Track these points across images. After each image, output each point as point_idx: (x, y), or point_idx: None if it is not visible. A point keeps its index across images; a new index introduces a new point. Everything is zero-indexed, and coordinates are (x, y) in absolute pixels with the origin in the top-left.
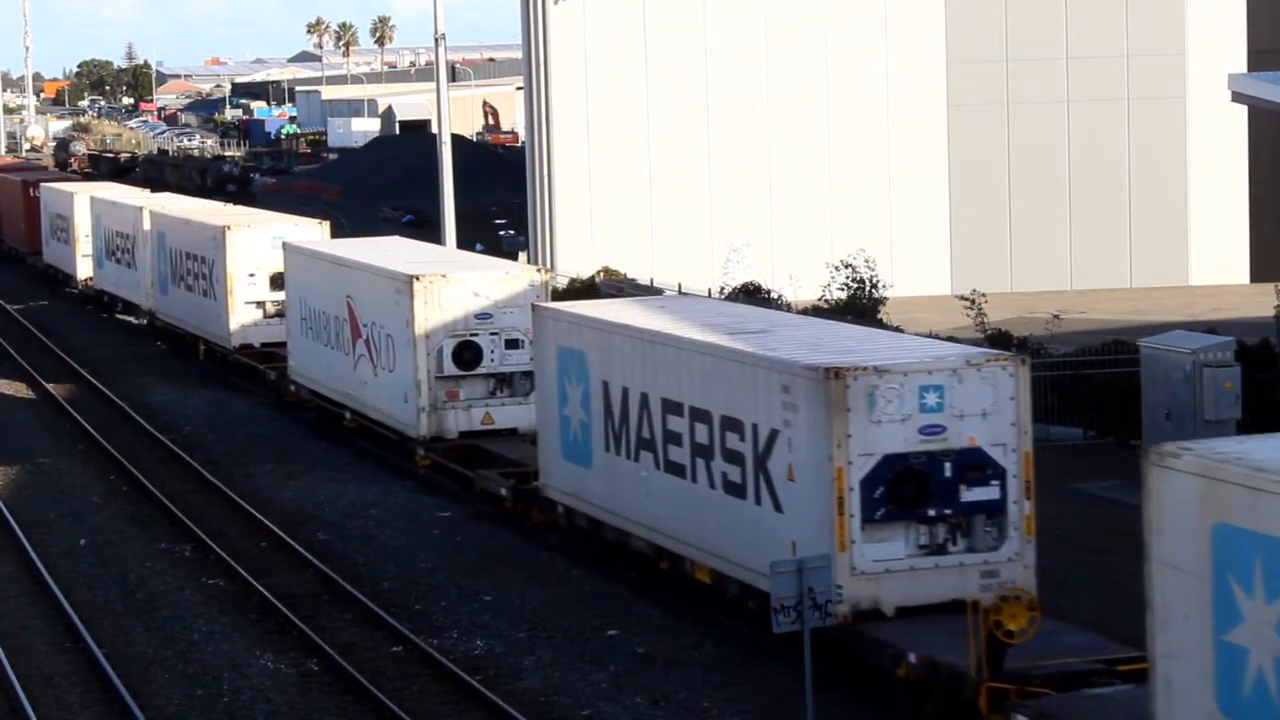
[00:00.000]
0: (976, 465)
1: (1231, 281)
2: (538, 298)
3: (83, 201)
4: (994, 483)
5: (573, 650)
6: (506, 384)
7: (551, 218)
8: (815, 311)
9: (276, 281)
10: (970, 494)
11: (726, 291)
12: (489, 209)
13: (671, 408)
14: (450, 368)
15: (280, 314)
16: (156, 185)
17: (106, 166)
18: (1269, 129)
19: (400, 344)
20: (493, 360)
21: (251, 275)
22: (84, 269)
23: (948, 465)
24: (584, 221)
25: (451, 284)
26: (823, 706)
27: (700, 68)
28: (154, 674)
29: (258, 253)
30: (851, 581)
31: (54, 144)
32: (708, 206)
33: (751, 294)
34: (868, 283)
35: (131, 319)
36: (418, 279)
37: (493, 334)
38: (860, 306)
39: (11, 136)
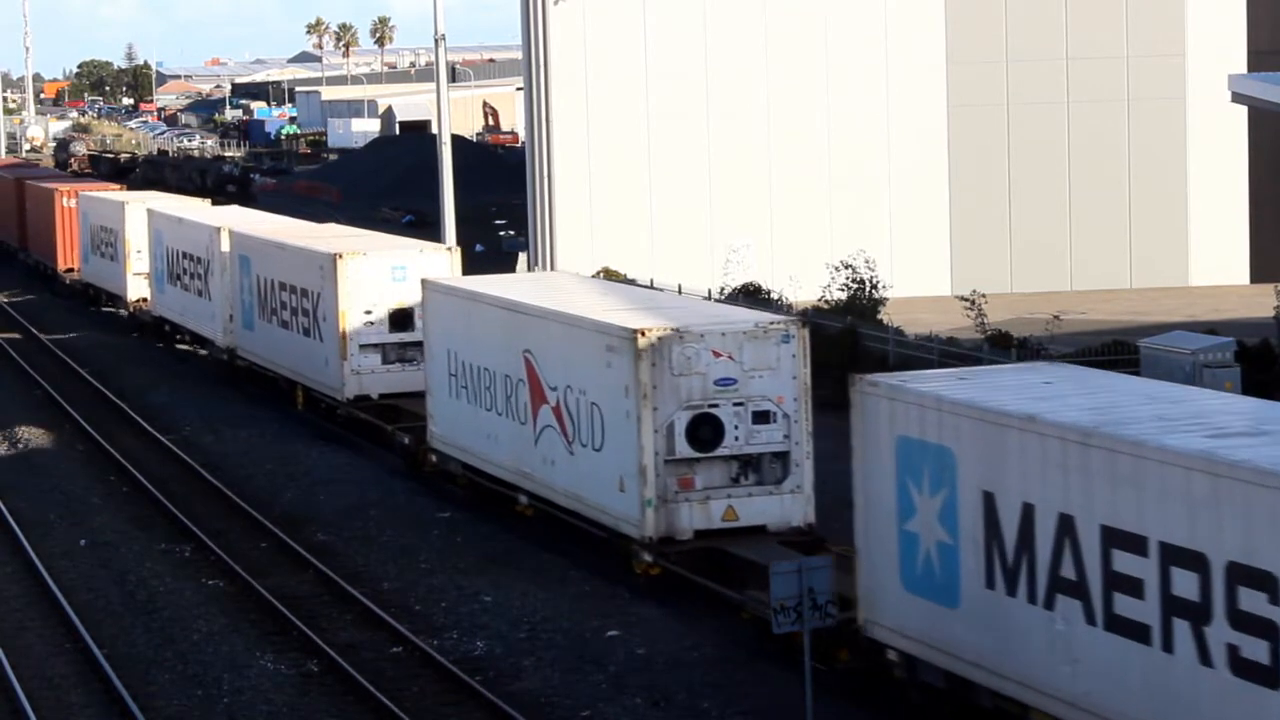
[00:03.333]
0: None
1: (1231, 282)
2: (793, 357)
3: (136, 213)
4: None
5: (573, 651)
6: (753, 469)
7: (551, 218)
8: (815, 312)
9: (398, 320)
10: None
11: (726, 292)
12: (489, 209)
13: (1120, 540)
14: (684, 448)
15: (403, 359)
16: (156, 186)
17: (106, 167)
18: (1269, 129)
19: (613, 416)
20: (737, 439)
21: (368, 313)
22: (135, 290)
23: None
24: (584, 221)
25: (687, 341)
26: (823, 706)
27: (700, 68)
28: (154, 675)
29: (375, 286)
30: None
31: (54, 144)
32: (708, 206)
33: (752, 295)
34: (868, 283)
35: (197, 348)
36: (643, 334)
37: (737, 405)
38: (860, 307)
39: (11, 137)
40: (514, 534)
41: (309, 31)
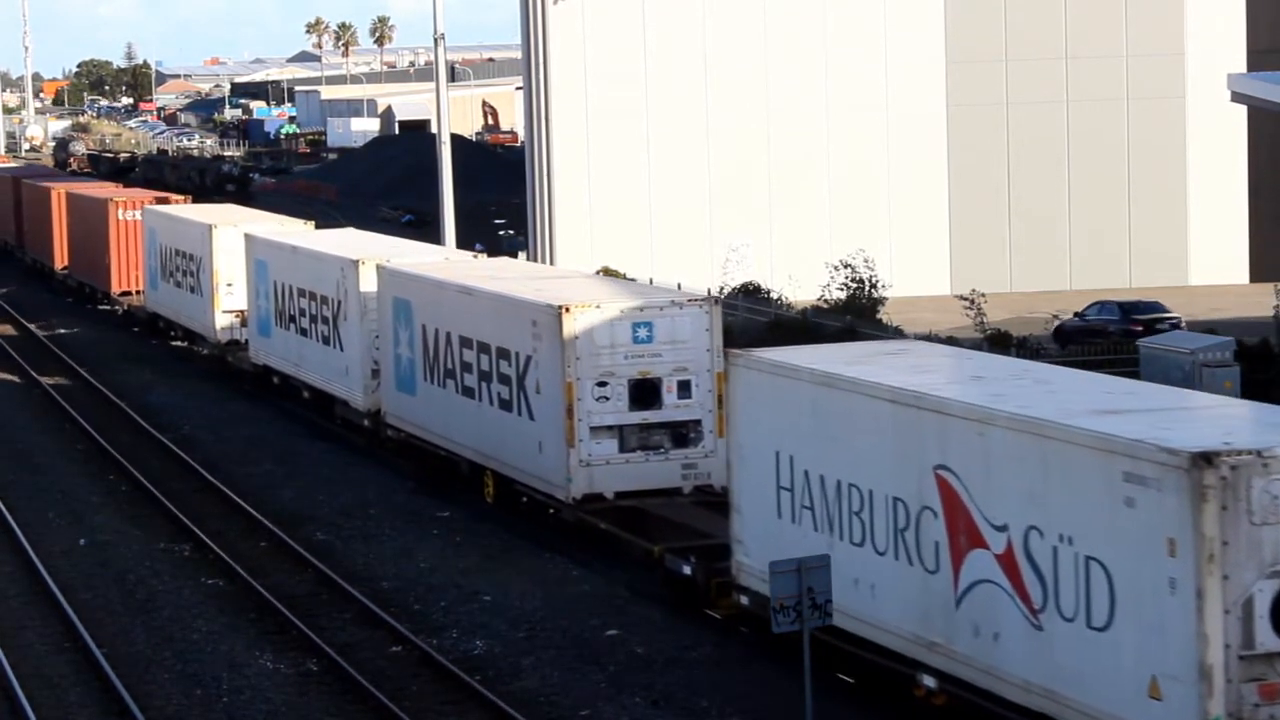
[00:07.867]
0: None
1: (1231, 281)
2: None
3: (227, 239)
4: None
5: (572, 650)
6: None
7: (551, 217)
8: (815, 312)
9: (640, 394)
10: None
11: (726, 291)
12: (489, 208)
13: None
14: (1268, 638)
15: (646, 446)
16: (155, 185)
17: (106, 166)
18: (1269, 129)
19: (1136, 582)
20: None
21: (602, 384)
22: (225, 330)
23: None
24: (583, 221)
25: (1274, 470)
26: (822, 707)
27: (699, 67)
28: (153, 674)
29: (612, 348)
30: None
31: (53, 144)
32: (707, 206)
33: (751, 294)
34: (867, 283)
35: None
36: (1210, 462)
37: None
38: (859, 306)
39: (11, 136)
40: (514, 534)
41: (308, 31)
